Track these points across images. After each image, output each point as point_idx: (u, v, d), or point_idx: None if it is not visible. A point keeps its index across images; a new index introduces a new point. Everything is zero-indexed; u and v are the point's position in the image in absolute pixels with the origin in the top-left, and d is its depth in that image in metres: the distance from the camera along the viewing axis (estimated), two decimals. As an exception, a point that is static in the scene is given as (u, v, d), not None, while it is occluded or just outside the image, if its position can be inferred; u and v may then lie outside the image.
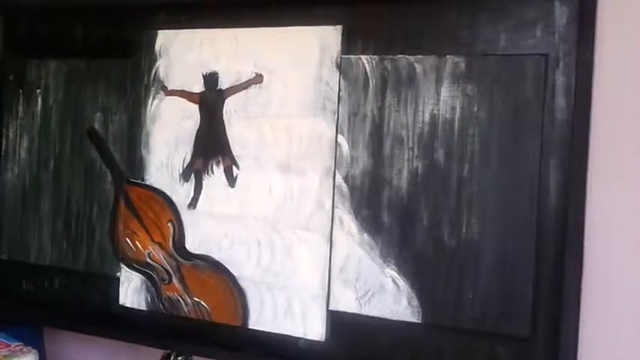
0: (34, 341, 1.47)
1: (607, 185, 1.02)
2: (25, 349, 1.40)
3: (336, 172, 1.21)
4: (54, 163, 1.50)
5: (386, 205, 1.18)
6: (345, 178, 1.21)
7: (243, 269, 1.29)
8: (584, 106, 1.03)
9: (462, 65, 1.11)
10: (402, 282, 1.17)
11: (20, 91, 1.53)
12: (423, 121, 1.14)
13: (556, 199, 1.06)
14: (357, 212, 1.20)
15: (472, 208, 1.11)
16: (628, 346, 1.01)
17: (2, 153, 1.55)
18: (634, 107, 1.00)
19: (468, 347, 1.13)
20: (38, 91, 1.51)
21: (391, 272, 1.17)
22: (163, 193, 1.37)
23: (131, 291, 1.41)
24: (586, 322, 1.04)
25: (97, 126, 1.45)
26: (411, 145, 1.15)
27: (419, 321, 1.15)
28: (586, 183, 1.04)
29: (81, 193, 1.47)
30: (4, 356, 1.37)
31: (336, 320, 1.22)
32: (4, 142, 1.55)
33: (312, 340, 1.24)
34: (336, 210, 1.22)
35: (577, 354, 1.05)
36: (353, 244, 1.20)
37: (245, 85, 1.29)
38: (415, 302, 1.15)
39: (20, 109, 1.54)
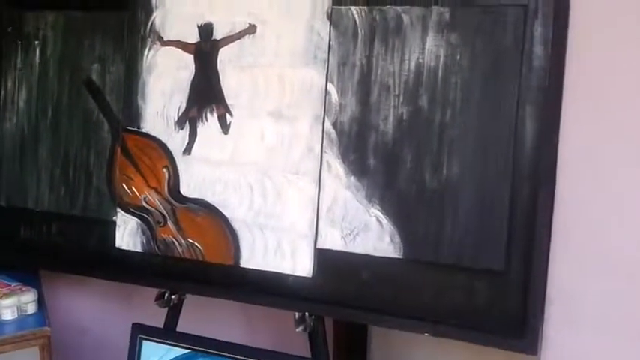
0: (32, 283, 1.47)
1: (579, 129, 1.05)
2: (24, 288, 1.40)
3: (326, 118, 1.22)
4: (52, 113, 1.49)
5: (372, 150, 1.19)
6: (334, 125, 1.22)
7: (235, 211, 1.31)
8: (560, 55, 1.06)
9: (447, 15, 1.12)
10: (385, 221, 1.19)
11: (19, 42, 1.51)
12: (408, 69, 1.15)
13: (531, 142, 1.08)
14: (344, 157, 1.22)
15: (453, 151, 1.13)
16: (593, 279, 1.04)
17: (1, 103, 1.53)
18: (605, 56, 1.03)
19: (446, 280, 1.16)
20: (36, 42, 1.49)
21: (375, 212, 1.20)
22: (159, 140, 1.37)
23: (127, 234, 1.41)
24: (555, 256, 1.07)
25: (94, 76, 1.44)
26: (397, 93, 1.17)
27: (400, 256, 1.18)
28: (559, 127, 1.06)
29: (78, 142, 1.46)
30: (5, 294, 1.37)
31: (323, 257, 1.24)
32: (2, 93, 1.53)
33: (301, 277, 1.26)
34: (324, 155, 1.23)
35: (546, 285, 1.09)
36: (340, 186, 1.22)
37: (239, 36, 1.29)
38: (397, 239, 1.18)
39: (19, 60, 1.51)
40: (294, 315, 1.28)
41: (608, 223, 1.01)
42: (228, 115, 1.30)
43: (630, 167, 0.98)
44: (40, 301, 1.42)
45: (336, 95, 1.22)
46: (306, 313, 1.27)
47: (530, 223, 1.08)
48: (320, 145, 1.23)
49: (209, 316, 1.60)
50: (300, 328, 1.27)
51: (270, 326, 1.61)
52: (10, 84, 1.52)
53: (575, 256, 1.04)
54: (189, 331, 1.41)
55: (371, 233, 1.20)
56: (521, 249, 1.10)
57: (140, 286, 1.45)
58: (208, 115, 1.32)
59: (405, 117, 1.16)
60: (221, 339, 1.36)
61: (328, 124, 1.22)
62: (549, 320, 1.07)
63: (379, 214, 1.19)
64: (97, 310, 1.80)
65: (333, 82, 1.22)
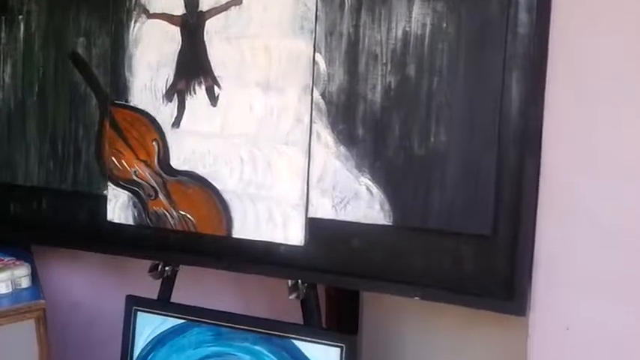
0: (25, 258, 1.47)
1: (564, 96, 1.06)
2: (17, 263, 1.40)
3: (314, 89, 1.22)
4: (38, 88, 1.47)
5: (361, 119, 1.20)
6: (323, 95, 1.22)
7: (226, 183, 1.31)
8: (544, 21, 1.06)
9: (433, -17, 1.12)
10: (375, 189, 1.20)
11: (2, 17, 1.49)
12: (395, 37, 1.15)
13: (516, 108, 1.09)
14: (333, 126, 1.22)
15: (440, 119, 1.14)
16: (580, 242, 1.06)
17: (-14, 78, 1.51)
18: (589, 21, 1.03)
19: (435, 246, 1.17)
20: (20, 17, 1.47)
21: (365, 180, 1.21)
22: (147, 113, 1.36)
23: (118, 207, 1.41)
24: (542, 220, 1.09)
25: (80, 50, 1.43)
26: (384, 61, 1.17)
27: (390, 223, 1.19)
28: (544, 93, 1.07)
29: (66, 116, 1.45)
30: (-1, 269, 1.37)
31: (315, 226, 1.25)
32: (-13, 68, 1.51)
33: (293, 245, 1.27)
34: (313, 125, 1.23)
35: (534, 249, 1.11)
36: (330, 156, 1.23)
37: (225, 7, 1.28)
38: (387, 206, 1.19)
39: (3, 35, 1.49)
40: (287, 283, 1.30)
41: (593, 186, 1.03)
42: (216, 87, 1.30)
43: (616, 131, 1.00)
44: (34, 276, 1.42)
45: (324, 65, 1.22)
46: (299, 281, 1.29)
47: (517, 188, 1.10)
48: (309, 116, 1.23)
49: (203, 288, 1.62)
50: (293, 296, 1.29)
51: (264, 296, 1.63)
52: (-6, 59, 1.51)
53: (562, 219, 1.06)
54: (183, 303, 1.43)
55: (361, 202, 1.21)
56: (508, 214, 1.11)
57: (133, 259, 1.46)
58: (196, 87, 1.31)
59: (392, 86, 1.17)
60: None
61: (317, 94, 1.23)
62: (537, 283, 1.09)
63: (369, 182, 1.21)
64: (90, 284, 1.81)
65: (320, 52, 1.21)
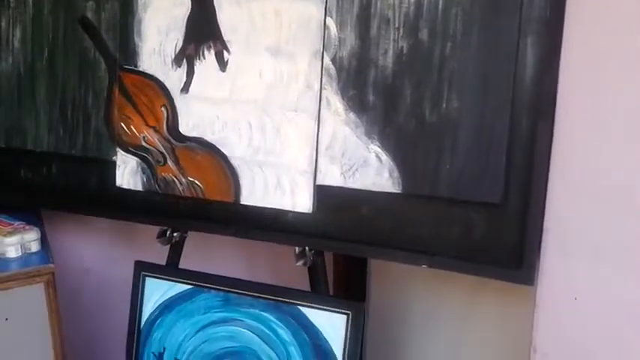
0: (34, 223, 1.48)
1: (579, 61, 1.03)
2: (27, 227, 1.41)
3: (324, 54, 1.20)
4: (48, 52, 1.46)
5: (371, 85, 1.18)
6: (333, 60, 1.20)
7: (235, 149, 1.30)
8: (562, -15, 1.03)
9: (448, -55, 1.09)
10: (384, 156, 1.18)
11: (11, -20, 1.47)
12: (409, 1, 1.12)
13: (531, 73, 1.07)
14: (343, 92, 1.20)
15: (452, 85, 1.12)
16: (590, 209, 1.04)
17: (-4, 43, 1.50)
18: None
19: (444, 214, 1.16)
20: (29, -20, 1.46)
21: (375, 148, 1.19)
22: (156, 78, 1.35)
23: (127, 173, 1.40)
24: (553, 188, 1.07)
25: (89, 14, 1.41)
26: (396, 26, 1.14)
27: (399, 191, 1.18)
28: (560, 59, 1.05)
29: (76, 81, 1.44)
30: (9, 232, 1.38)
31: (323, 193, 1.24)
32: (-3, 33, 1.50)
33: (301, 213, 1.26)
34: (323, 91, 1.22)
35: (544, 218, 1.09)
36: (339, 122, 1.21)
37: (236, -30, 1.25)
38: (396, 174, 1.18)
39: (12, -1, 1.48)
40: (295, 250, 1.30)
41: (606, 153, 1.00)
42: (225, 52, 1.28)
43: (631, 96, 0.97)
44: (44, 240, 1.43)
45: (335, 30, 1.19)
46: (306, 248, 1.29)
47: (529, 155, 1.08)
48: (319, 81, 1.21)
49: (211, 255, 1.62)
50: (300, 263, 1.29)
51: (271, 263, 1.63)
52: (3, 23, 1.49)
53: (573, 187, 1.04)
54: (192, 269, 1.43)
55: (370, 169, 1.20)
56: (519, 182, 1.10)
57: (142, 226, 1.46)
58: (205, 52, 1.30)
59: (404, 51, 1.14)
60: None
61: (327, 60, 1.20)
62: (546, 251, 1.08)
63: (378, 149, 1.19)
64: (101, 251, 1.82)
65: (331, 16, 1.19)
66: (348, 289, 1.67)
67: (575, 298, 1.05)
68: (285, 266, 1.38)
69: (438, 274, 1.49)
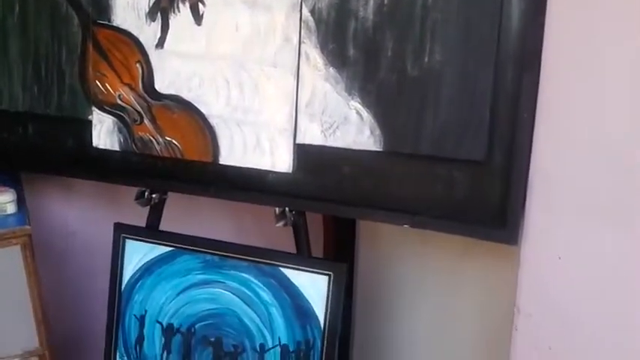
0: (11, 184, 1.44)
1: (566, 11, 0.98)
2: (2, 189, 1.37)
3: (303, 5, 1.15)
4: (19, 8, 1.40)
5: (352, 38, 1.12)
6: (312, 12, 1.14)
7: (212, 107, 1.25)
8: None
9: None
10: (365, 113, 1.14)
11: None
12: (389, -53, 1.07)
13: (516, 24, 1.01)
14: (323, 46, 1.15)
15: (435, 37, 1.07)
16: (577, 164, 1.00)
17: (-36, -1, 1.44)
18: None
19: (426, 172, 1.12)
20: None
21: (355, 104, 1.14)
22: (130, 33, 1.29)
23: (104, 133, 1.36)
24: (539, 144, 1.03)
25: (59, -33, 1.35)
26: (377, -26, 1.09)
27: (381, 149, 1.14)
28: (545, 9, 0.99)
29: (48, 38, 1.38)
30: (-17, 194, 1.35)
31: (303, 152, 1.20)
32: (-35, -12, 1.44)
33: (281, 173, 1.22)
34: (302, 45, 1.16)
35: (528, 176, 1.05)
36: (319, 78, 1.16)
37: None
38: (377, 131, 1.14)
39: (-21, -50, 1.41)
40: (275, 211, 1.26)
41: (593, 106, 0.96)
42: (200, 5, 1.22)
43: (617, 47, 0.92)
44: (20, 202, 1.39)
45: (313, -21, 1.14)
46: (287, 209, 1.25)
47: (514, 110, 1.04)
48: (298, 35, 1.16)
49: (197, 218, 1.60)
50: (280, 224, 1.26)
51: (257, 226, 1.60)
52: (-28, -22, 1.43)
53: (558, 142, 1.00)
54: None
55: (351, 127, 1.16)
56: (504, 138, 1.06)
57: (126, 189, 1.43)
58: (180, 4, 1.24)
59: (385, 1, 1.08)
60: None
61: (306, 12, 1.15)
62: (530, 209, 1.04)
63: (359, 106, 1.14)
64: (84, 214, 1.79)
65: (309, -35, 1.13)
66: (337, 252, 1.65)
67: (560, 257, 1.02)
68: (272, 228, 1.35)
69: (426, 236, 1.47)
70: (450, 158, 1.10)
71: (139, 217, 1.44)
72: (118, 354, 1.43)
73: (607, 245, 0.99)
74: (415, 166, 1.13)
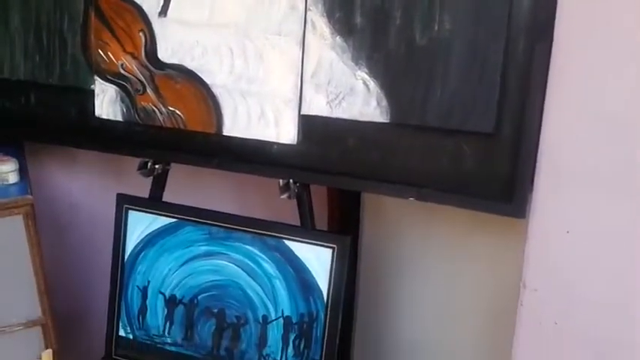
0: (13, 154, 1.43)
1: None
2: (4, 158, 1.36)
3: (309, -29, 1.12)
4: (20, -25, 1.38)
5: (359, 6, 1.10)
6: (318, -22, 1.12)
7: (216, 77, 1.23)
8: None
9: None
10: (372, 83, 1.12)
11: None
12: None
13: (529, -6, 0.99)
14: (330, 14, 1.12)
15: (445, 5, 1.04)
16: (587, 137, 0.98)
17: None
18: None
19: (433, 145, 1.10)
20: None
21: (362, 74, 1.12)
22: (133, 1, 1.27)
23: (106, 103, 1.34)
24: (549, 116, 1.01)
25: None
26: (386, -61, 1.05)
27: (387, 121, 1.12)
28: (560, -24, 0.96)
29: (50, 5, 1.35)
30: (-15, 163, 1.33)
31: (308, 124, 1.19)
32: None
33: (285, 144, 1.21)
34: (308, 13, 1.14)
35: (538, 150, 1.03)
36: (325, 47, 1.14)
37: None
38: (384, 102, 1.11)
39: None
40: (279, 183, 1.25)
41: (606, 78, 0.93)
42: (204, -29, 1.20)
43: (633, 16, 0.89)
44: (22, 172, 1.38)
45: (320, -56, 1.11)
46: (291, 181, 1.24)
47: (524, 81, 1.01)
48: (304, 2, 1.13)
49: (202, 190, 1.59)
50: (284, 196, 1.24)
51: (262, 199, 1.59)
52: (-28, -56, 1.40)
53: (569, 114, 0.98)
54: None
55: (357, 97, 1.13)
56: (513, 109, 1.03)
57: (130, 161, 1.41)
58: (184, -29, 1.21)
59: (394, -33, 1.06)
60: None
61: (312, -22, 1.12)
62: (538, 183, 1.02)
63: (366, 76, 1.12)
64: (87, 186, 1.78)
65: None
66: (341, 226, 1.64)
67: (568, 232, 1.00)
68: (277, 201, 1.33)
69: (431, 210, 1.46)
70: (458, 130, 1.08)
71: (142, 189, 1.43)
72: (120, 324, 1.43)
73: (616, 220, 0.97)
74: (422, 139, 1.11)
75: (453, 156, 1.09)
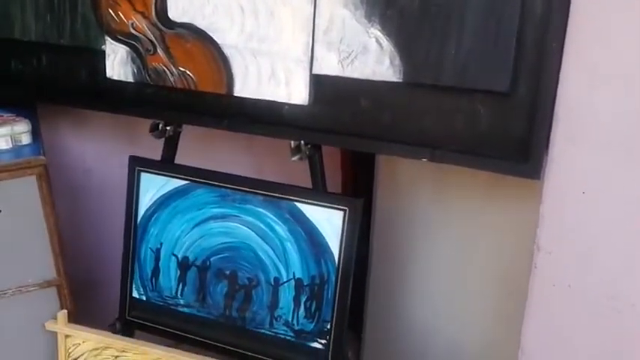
0: (26, 115, 1.43)
1: None
2: (17, 119, 1.37)
3: None
4: None
5: (372, -39, 1.08)
6: None
7: (226, 36, 1.22)
8: None
9: None
10: (385, 42, 1.09)
11: None
12: None
13: (550, -58, 0.95)
14: (342, -31, 1.10)
15: (461, -41, 1.01)
16: (606, 95, 0.95)
17: None
18: None
19: (447, 104, 1.08)
20: None
21: (375, 32, 1.10)
22: (143, -41, 1.26)
23: (117, 63, 1.34)
24: (566, 74, 0.98)
25: None
26: None
27: (400, 80, 1.10)
28: None
29: (60, -37, 1.35)
30: (-3, 124, 1.35)
31: (320, 84, 1.17)
32: None
33: (296, 105, 1.19)
34: (321, -32, 1.12)
35: (554, 110, 1.01)
36: (338, 4, 1.11)
37: None
38: (397, 61, 1.09)
39: None
40: (290, 144, 1.24)
41: (626, 35, 0.90)
42: None
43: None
44: (35, 133, 1.39)
45: None
46: (302, 142, 1.23)
47: (542, 38, 0.98)
48: (316, -42, 1.11)
49: (214, 153, 1.58)
50: (295, 158, 1.23)
51: (275, 162, 1.58)
52: None
53: (587, 73, 0.95)
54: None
55: (370, 56, 1.11)
56: (530, 68, 1.01)
57: (144, 125, 1.41)
58: None
59: None
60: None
61: None
62: (555, 142, 1.00)
63: (379, 34, 1.10)
64: (101, 151, 1.80)
65: None
66: (355, 190, 1.63)
67: (584, 192, 0.99)
68: (290, 163, 1.32)
69: (446, 175, 1.45)
70: (473, 89, 1.05)
71: (155, 153, 1.43)
72: (134, 286, 1.45)
73: (632, 181, 0.95)
74: (436, 98, 1.09)
75: (468, 116, 1.07)
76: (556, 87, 0.99)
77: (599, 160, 0.97)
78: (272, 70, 1.20)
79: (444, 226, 1.54)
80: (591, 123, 0.97)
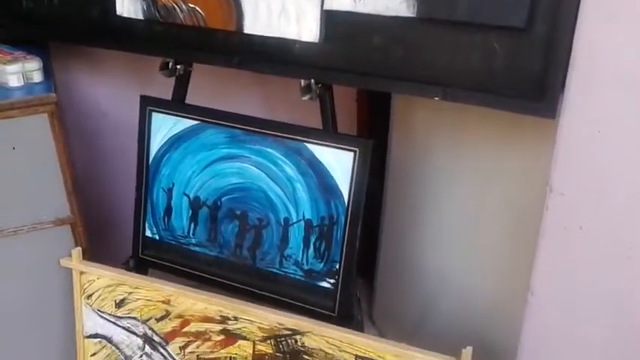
0: (37, 53, 1.43)
1: None
2: (28, 57, 1.37)
3: None
4: None
5: None
6: None
7: (236, -30, 1.20)
8: None
9: None
10: (398, -26, 1.07)
11: None
12: None
13: None
14: None
15: None
16: (623, 41, 0.92)
17: None
18: None
19: (462, 41, 1.06)
20: None
21: (388, -36, 1.07)
22: None
23: (127, 0, 1.32)
24: (585, 9, 0.95)
25: None
26: None
27: (414, 15, 1.07)
28: None
29: None
30: (9, 61, 1.34)
31: (331, 20, 1.15)
32: None
33: (307, 42, 1.17)
34: None
35: (571, 48, 0.98)
36: (350, -64, 1.08)
37: None
38: (411, -5, 1.07)
39: None
40: (300, 83, 1.23)
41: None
42: None
43: None
44: (47, 72, 1.39)
45: None
46: (312, 81, 1.21)
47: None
48: None
49: (225, 94, 1.58)
50: (306, 97, 1.22)
51: (287, 104, 1.57)
52: None
53: (607, 10, 0.92)
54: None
55: (382, -10, 1.09)
56: (547, 4, 0.97)
57: (154, 69, 1.40)
58: None
59: None
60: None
61: None
62: (571, 81, 0.98)
63: (392, -33, 1.07)
64: (112, 93, 1.80)
65: None
66: (370, 134, 1.62)
67: (599, 131, 0.96)
68: (301, 104, 1.31)
69: (463, 120, 1.42)
70: (489, 25, 1.02)
71: (168, 95, 1.43)
72: (147, 225, 1.47)
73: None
74: (450, 34, 1.06)
75: (482, 53, 1.04)
76: (574, 23, 0.96)
77: (615, 101, 0.95)
78: (282, 6, 1.18)
79: (458, 173, 1.53)
80: (609, 61, 0.94)
